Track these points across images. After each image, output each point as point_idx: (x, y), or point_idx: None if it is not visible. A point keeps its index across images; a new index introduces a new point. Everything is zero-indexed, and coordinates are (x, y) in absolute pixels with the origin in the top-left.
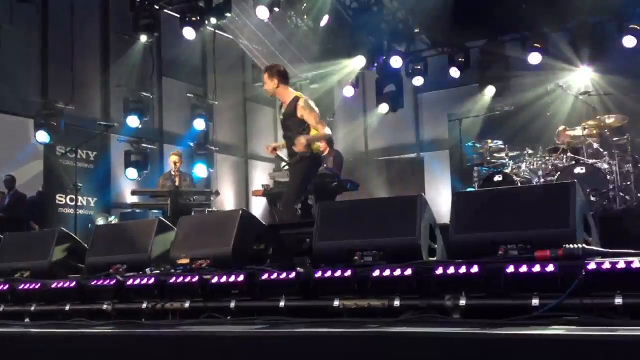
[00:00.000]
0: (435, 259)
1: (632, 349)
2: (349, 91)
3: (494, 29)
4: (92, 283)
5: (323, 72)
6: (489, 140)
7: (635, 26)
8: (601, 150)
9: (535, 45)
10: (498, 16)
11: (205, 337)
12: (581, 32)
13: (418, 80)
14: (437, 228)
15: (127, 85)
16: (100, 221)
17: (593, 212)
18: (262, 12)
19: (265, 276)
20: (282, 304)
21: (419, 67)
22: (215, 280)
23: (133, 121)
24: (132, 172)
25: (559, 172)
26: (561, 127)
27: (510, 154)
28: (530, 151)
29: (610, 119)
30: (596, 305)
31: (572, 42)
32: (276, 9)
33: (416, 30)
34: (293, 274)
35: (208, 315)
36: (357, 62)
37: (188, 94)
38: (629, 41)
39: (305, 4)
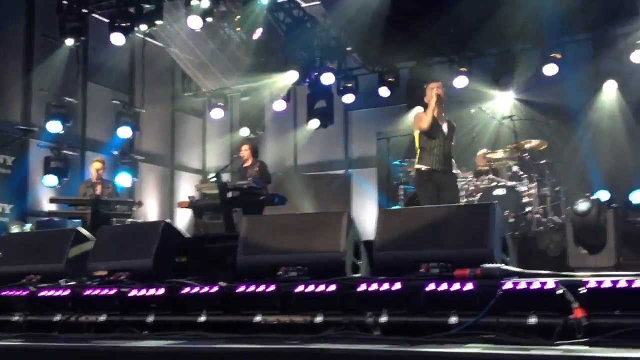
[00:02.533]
0: (359, 275)
1: None
2: (280, 105)
3: (423, 51)
4: (3, 293)
5: (254, 85)
6: (411, 160)
7: (556, 55)
8: (521, 173)
9: (462, 69)
10: (427, 39)
11: (119, 352)
12: (505, 59)
13: (349, 98)
14: (362, 245)
15: (51, 89)
16: (15, 229)
17: (511, 232)
18: (195, 22)
19: (186, 290)
20: (202, 318)
21: (350, 84)
22: (133, 293)
23: (55, 126)
24: (51, 179)
25: (480, 193)
26: (481, 152)
27: None
28: (456, 172)
29: (530, 144)
30: (511, 324)
31: (496, 67)
32: (209, 19)
33: (348, 49)
34: (215, 289)
35: (125, 329)
36: (289, 77)
37: (114, 101)
38: (550, 69)
39: (238, 16)
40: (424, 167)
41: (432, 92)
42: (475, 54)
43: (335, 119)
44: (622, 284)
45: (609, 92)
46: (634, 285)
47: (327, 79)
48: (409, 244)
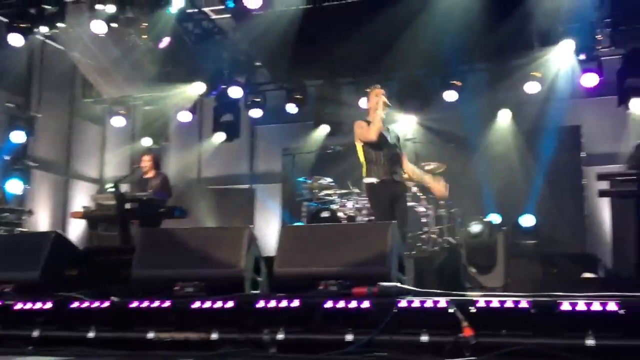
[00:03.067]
0: (257, 292)
1: None
2: (185, 116)
3: (331, 71)
4: None
5: (159, 94)
6: (320, 177)
7: (455, 82)
8: (419, 194)
9: (367, 90)
10: (335, 59)
11: None
12: (409, 83)
13: (256, 113)
14: (263, 261)
15: None
16: None
17: (408, 252)
18: (99, 27)
19: (75, 304)
20: (91, 334)
21: (258, 99)
22: (18, 306)
23: None
24: None
25: None
26: None
27: (339, 191)
28: (357, 190)
29: (430, 166)
30: (405, 342)
31: (400, 91)
32: (114, 25)
33: (257, 64)
34: (106, 304)
35: (8, 344)
36: (196, 88)
37: (8, 104)
38: (449, 95)
39: (145, 23)
40: (375, 180)
41: (379, 98)
42: (382, 77)
43: (242, 133)
44: (508, 304)
45: (504, 120)
46: (519, 306)
47: (235, 92)
48: (309, 261)
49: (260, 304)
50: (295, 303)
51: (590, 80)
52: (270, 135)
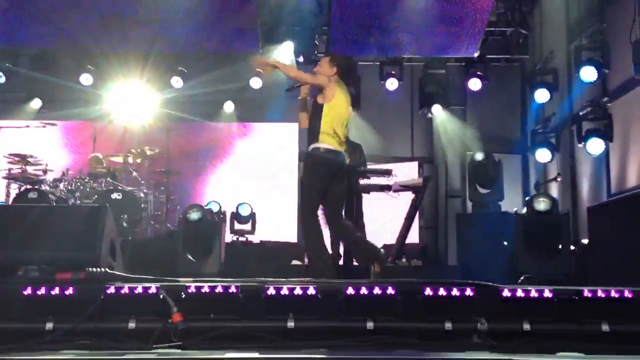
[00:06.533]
0: None
1: None
2: None
3: (48, 40)
4: None
5: None
6: (29, 155)
7: (183, 69)
8: (139, 179)
9: (89, 66)
10: (55, 28)
11: None
12: (134, 64)
13: None
14: None
15: None
16: None
17: (124, 238)
18: None
19: None
20: None
21: None
22: None
23: None
24: None
25: (96, 196)
26: (93, 154)
27: (50, 170)
28: (70, 172)
29: (150, 151)
30: (112, 329)
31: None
32: None
33: None
34: None
35: None
36: None
37: None
38: (176, 82)
39: None
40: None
41: None
42: (100, 54)
43: None
44: (219, 289)
45: (228, 110)
46: (229, 291)
47: None
48: (7, 243)
49: None
50: None
51: None
52: None
